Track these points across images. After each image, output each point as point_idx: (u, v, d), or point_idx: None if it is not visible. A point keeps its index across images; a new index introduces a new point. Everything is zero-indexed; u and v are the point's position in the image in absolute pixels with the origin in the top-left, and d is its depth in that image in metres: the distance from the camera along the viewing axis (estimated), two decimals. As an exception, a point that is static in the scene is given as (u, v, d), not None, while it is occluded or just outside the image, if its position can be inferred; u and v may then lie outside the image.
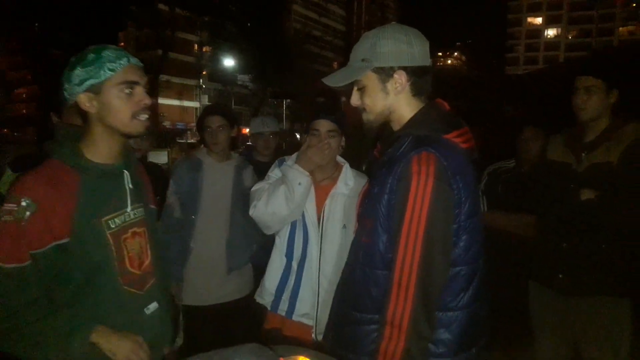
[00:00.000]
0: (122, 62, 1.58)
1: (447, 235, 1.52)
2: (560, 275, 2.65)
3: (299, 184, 2.36)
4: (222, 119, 3.11)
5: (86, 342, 1.47)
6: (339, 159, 2.63)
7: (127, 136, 1.66)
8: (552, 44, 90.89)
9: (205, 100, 47.60)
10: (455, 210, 1.52)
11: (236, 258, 3.11)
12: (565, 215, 2.63)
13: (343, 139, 2.56)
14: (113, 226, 1.63)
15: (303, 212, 2.49)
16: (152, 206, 1.91)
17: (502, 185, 3.50)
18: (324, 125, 2.48)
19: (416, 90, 1.65)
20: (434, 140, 1.56)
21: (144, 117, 1.64)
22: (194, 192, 3.08)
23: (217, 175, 3.13)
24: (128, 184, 1.71)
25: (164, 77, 28.16)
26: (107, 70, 1.55)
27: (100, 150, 1.65)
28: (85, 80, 1.56)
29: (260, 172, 3.12)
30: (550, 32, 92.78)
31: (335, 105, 3.03)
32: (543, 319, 2.86)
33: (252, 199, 2.50)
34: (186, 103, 49.96)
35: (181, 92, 47.73)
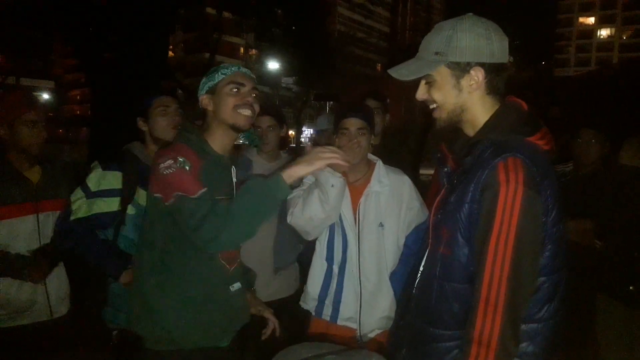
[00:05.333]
0: (233, 69, 1.98)
1: (536, 246, 1.43)
2: (631, 287, 2.58)
3: (332, 185, 2.31)
4: (271, 119, 3.14)
5: (285, 187, 1.76)
6: (371, 156, 2.61)
7: (234, 128, 1.97)
8: (605, 44, 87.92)
9: (251, 97, 48.14)
10: (543, 219, 1.43)
11: (283, 258, 3.13)
12: (635, 220, 2.55)
13: (372, 136, 2.53)
14: None
15: (340, 215, 2.47)
16: None
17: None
18: (353, 124, 2.46)
19: (491, 89, 1.55)
20: (517, 144, 1.46)
21: (245, 111, 1.95)
22: None
23: (266, 175, 3.16)
24: (234, 177, 2.07)
25: (210, 80, 28.57)
26: (220, 75, 1.95)
27: (216, 142, 1.99)
28: (205, 84, 1.98)
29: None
30: (604, 33, 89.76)
31: (361, 104, 3.03)
32: (611, 331, 2.78)
33: (289, 207, 2.48)
34: (231, 105, 50.61)
35: (227, 94, 48.38)
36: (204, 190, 1.77)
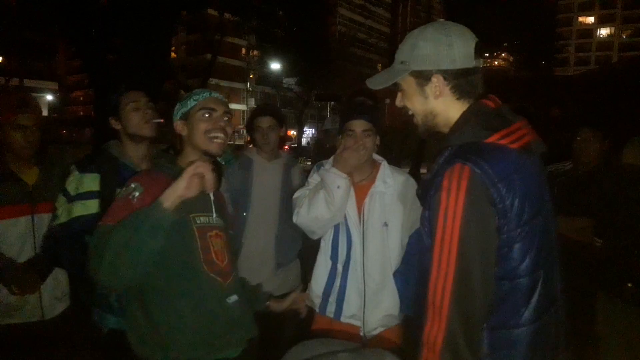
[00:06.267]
0: (204, 94, 2.02)
1: (487, 250, 1.40)
2: (629, 285, 2.58)
3: (338, 186, 2.35)
4: (272, 120, 3.22)
5: (162, 210, 1.67)
6: (376, 157, 2.63)
7: (206, 154, 1.97)
8: (605, 43, 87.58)
9: (253, 103, 48.35)
10: (501, 221, 1.39)
11: (285, 254, 3.19)
12: (636, 220, 2.56)
13: (378, 137, 2.54)
14: (199, 222, 1.95)
15: (345, 214, 2.50)
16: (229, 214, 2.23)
17: (558, 188, 3.31)
18: (358, 125, 2.48)
19: (460, 93, 1.55)
20: (473, 148, 1.45)
21: (216, 136, 1.96)
22: (244, 190, 3.17)
23: (266, 174, 3.23)
24: (211, 195, 2.00)
25: (212, 81, 28.81)
26: (192, 101, 1.99)
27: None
28: (179, 110, 2.01)
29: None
30: (603, 32, 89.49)
31: (367, 104, 3.06)
32: (611, 329, 2.78)
33: (295, 206, 2.52)
34: (234, 106, 50.79)
35: (229, 95, 48.52)
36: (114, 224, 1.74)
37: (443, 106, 1.57)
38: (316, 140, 4.66)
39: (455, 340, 1.37)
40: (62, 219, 2.40)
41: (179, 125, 2.01)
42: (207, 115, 1.96)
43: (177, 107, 2.03)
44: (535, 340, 1.45)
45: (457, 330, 1.37)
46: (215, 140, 1.95)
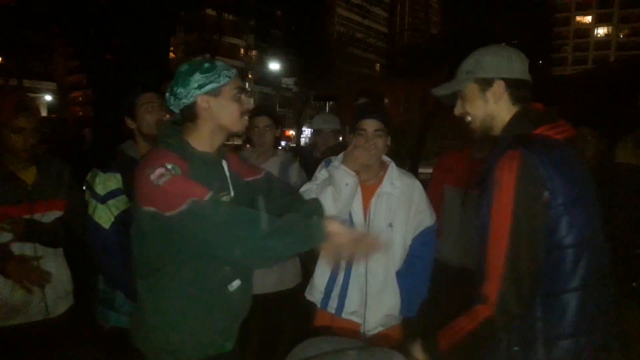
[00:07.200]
0: (233, 72, 1.88)
1: (535, 220, 1.62)
2: (634, 284, 2.62)
3: (346, 184, 2.36)
4: (268, 120, 3.31)
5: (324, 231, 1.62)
6: (385, 158, 2.64)
7: (234, 134, 1.94)
8: (603, 43, 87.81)
9: (251, 103, 48.30)
10: (550, 197, 1.61)
11: None
12: (636, 219, 2.59)
13: (389, 138, 2.55)
14: None
15: (350, 212, 2.51)
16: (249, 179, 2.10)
17: None
18: (370, 125, 2.49)
19: (515, 100, 1.80)
20: (523, 137, 1.70)
21: (246, 117, 1.92)
22: None
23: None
24: (227, 170, 1.96)
25: (210, 81, 28.56)
26: (225, 77, 1.82)
27: (202, 142, 1.88)
28: (205, 84, 1.80)
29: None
30: (601, 31, 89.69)
31: (379, 105, 3.07)
32: None
33: None
34: (231, 106, 50.74)
35: (227, 95, 48.46)
36: (211, 193, 1.69)
37: (500, 109, 1.82)
38: (313, 142, 4.56)
39: (506, 296, 1.60)
40: (105, 223, 2.43)
41: (202, 101, 1.81)
42: (239, 95, 1.87)
43: (196, 79, 1.80)
44: (584, 309, 1.64)
45: (508, 287, 1.60)
46: (244, 120, 1.92)
